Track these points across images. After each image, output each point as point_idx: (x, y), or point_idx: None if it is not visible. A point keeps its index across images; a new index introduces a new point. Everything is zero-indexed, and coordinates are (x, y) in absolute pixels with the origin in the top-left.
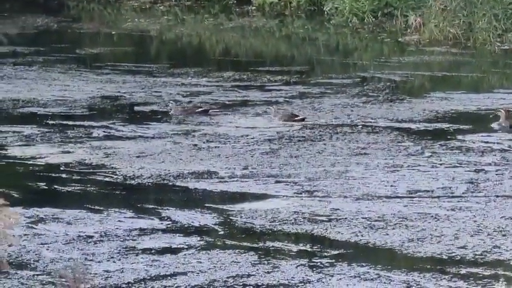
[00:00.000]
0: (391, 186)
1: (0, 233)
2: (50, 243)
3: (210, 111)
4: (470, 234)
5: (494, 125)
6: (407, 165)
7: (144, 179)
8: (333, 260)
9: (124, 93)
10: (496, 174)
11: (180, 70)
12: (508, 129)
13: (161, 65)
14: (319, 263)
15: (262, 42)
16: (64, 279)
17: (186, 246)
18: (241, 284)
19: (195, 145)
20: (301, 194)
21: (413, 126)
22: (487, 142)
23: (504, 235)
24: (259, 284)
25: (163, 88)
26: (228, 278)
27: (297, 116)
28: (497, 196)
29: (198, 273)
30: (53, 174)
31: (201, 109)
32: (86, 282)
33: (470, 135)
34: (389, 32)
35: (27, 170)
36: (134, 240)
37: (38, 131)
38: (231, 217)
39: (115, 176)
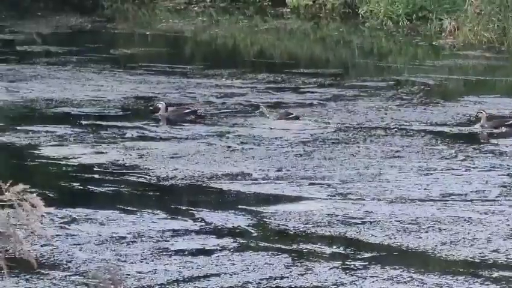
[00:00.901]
0: (424, 189)
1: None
2: (83, 243)
3: (199, 111)
4: (503, 238)
5: (477, 126)
6: (440, 169)
7: (178, 180)
8: (367, 263)
9: (158, 94)
10: None
11: (214, 71)
12: (489, 130)
13: (195, 66)
14: (352, 266)
15: (296, 44)
16: (96, 280)
17: (219, 248)
18: (274, 286)
19: (229, 146)
20: (335, 196)
21: (446, 129)
22: None
23: None
24: (293, 286)
25: (197, 89)
26: (261, 280)
27: (291, 114)
28: None
29: (231, 274)
30: (86, 175)
31: (189, 110)
32: (119, 284)
33: (504, 139)
34: (424, 35)
35: (61, 170)
36: (168, 241)
37: (72, 131)
38: (264, 219)
39: (149, 177)
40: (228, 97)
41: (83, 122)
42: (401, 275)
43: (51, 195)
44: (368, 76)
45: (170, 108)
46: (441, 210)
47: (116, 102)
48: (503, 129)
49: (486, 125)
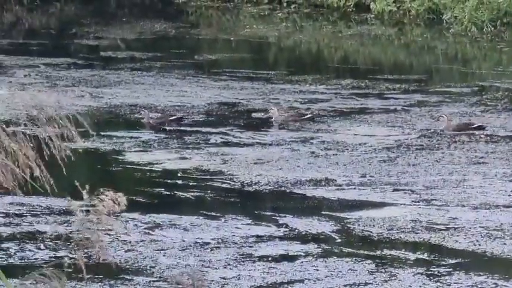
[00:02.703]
0: (509, 195)
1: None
2: (167, 249)
3: (183, 119)
4: None
5: (440, 129)
6: None
7: (261, 185)
8: (451, 269)
9: (242, 99)
10: None
11: (298, 77)
12: (451, 131)
13: (279, 72)
14: (436, 272)
15: (380, 50)
16: (180, 286)
17: (303, 254)
18: None
19: (313, 152)
20: (418, 202)
21: None
22: None
23: None
24: None
25: (281, 95)
26: (345, 286)
27: (305, 115)
28: None
29: (315, 280)
30: (170, 181)
31: (174, 117)
32: None
33: None
34: (508, 41)
35: (145, 176)
36: (251, 247)
37: (156, 136)
38: (348, 225)
39: (232, 183)
40: (311, 103)
41: (167, 128)
42: (485, 281)
43: (135, 200)
44: (452, 82)
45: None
46: None
47: (200, 107)
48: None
49: (451, 128)
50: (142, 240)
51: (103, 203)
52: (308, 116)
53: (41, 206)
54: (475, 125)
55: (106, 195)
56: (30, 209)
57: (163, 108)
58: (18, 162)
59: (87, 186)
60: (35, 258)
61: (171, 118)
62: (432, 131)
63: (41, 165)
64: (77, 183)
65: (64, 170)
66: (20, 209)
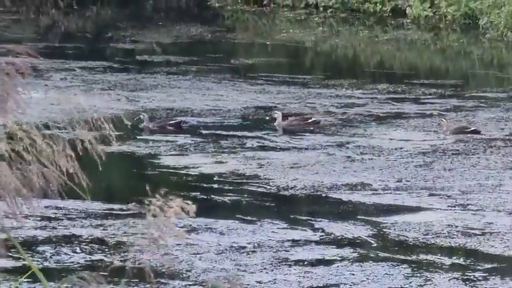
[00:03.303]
0: None
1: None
2: (203, 253)
3: (182, 123)
4: None
5: (440, 132)
6: None
7: (297, 190)
8: (486, 274)
9: (278, 103)
10: None
11: (334, 81)
12: (450, 134)
13: (315, 76)
14: (472, 277)
15: (416, 55)
16: None
17: (339, 258)
18: None
19: (349, 157)
20: (454, 207)
21: None
22: None
23: None
24: None
25: (317, 99)
26: None
27: (309, 118)
28: None
29: (351, 285)
30: (206, 184)
31: (173, 121)
32: None
33: None
34: None
35: (181, 180)
36: (287, 251)
37: (192, 140)
38: (384, 229)
39: (268, 187)
40: (348, 107)
41: (203, 132)
42: None
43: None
44: (488, 87)
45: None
46: None
47: (236, 112)
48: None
49: (449, 132)
50: (178, 244)
51: (171, 209)
52: (312, 120)
53: (77, 210)
54: (471, 129)
55: (174, 201)
56: (66, 212)
57: (176, 112)
58: (56, 166)
59: (159, 191)
60: (71, 262)
61: (170, 122)
62: (467, 135)
63: (78, 168)
64: (148, 187)
65: (100, 173)
66: (56, 212)
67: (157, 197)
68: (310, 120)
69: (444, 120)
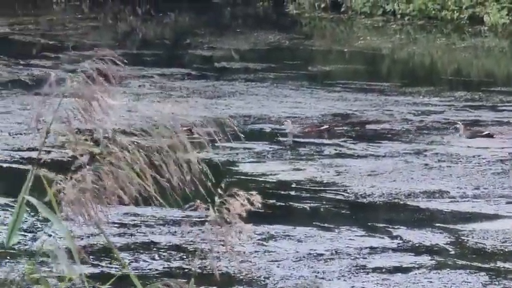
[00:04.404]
0: None
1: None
2: (281, 260)
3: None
4: None
5: (455, 136)
6: None
7: (375, 197)
8: None
9: (356, 111)
10: None
11: (412, 89)
12: (466, 139)
13: (392, 84)
14: None
15: (494, 62)
16: None
17: (417, 266)
18: None
19: (426, 164)
20: None
21: None
22: None
23: None
24: None
25: (395, 107)
26: None
27: (321, 126)
28: None
29: None
30: (284, 191)
31: (322, 127)
32: None
33: None
34: None
35: (258, 187)
36: (365, 258)
37: (269, 147)
38: (462, 237)
39: (346, 194)
40: (425, 115)
41: (281, 139)
42: None
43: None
44: None
45: None
46: None
47: (314, 119)
48: None
49: (465, 136)
50: (256, 251)
51: (235, 203)
52: (324, 127)
53: (155, 217)
54: (484, 133)
55: (239, 195)
56: (144, 219)
57: (253, 119)
58: (137, 174)
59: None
60: (149, 269)
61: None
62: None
63: (157, 176)
64: (221, 189)
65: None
66: (134, 219)
67: (220, 192)
68: (322, 128)
69: (460, 123)
